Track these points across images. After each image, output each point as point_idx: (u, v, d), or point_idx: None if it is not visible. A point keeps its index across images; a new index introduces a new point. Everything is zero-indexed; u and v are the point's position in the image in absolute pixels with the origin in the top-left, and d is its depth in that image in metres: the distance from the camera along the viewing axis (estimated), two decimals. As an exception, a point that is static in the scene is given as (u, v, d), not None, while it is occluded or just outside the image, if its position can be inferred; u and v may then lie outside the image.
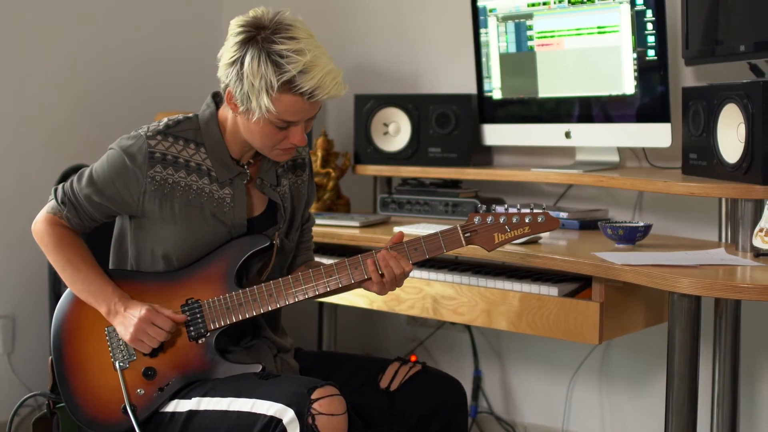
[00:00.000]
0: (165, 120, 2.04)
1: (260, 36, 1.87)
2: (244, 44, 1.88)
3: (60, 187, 2.05)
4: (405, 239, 2.00)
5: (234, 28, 1.91)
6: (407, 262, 1.97)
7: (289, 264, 2.17)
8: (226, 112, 2.02)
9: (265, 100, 1.87)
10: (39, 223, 2.04)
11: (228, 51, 1.92)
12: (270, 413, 1.83)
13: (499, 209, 2.06)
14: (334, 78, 1.89)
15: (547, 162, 3.07)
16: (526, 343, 3.21)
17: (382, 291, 2.00)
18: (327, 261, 2.19)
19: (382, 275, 1.97)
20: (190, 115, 2.06)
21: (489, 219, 2.00)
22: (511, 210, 2.01)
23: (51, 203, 2.05)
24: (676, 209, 2.83)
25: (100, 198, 2.00)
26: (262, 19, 1.90)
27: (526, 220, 2.00)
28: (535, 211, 2.01)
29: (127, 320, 1.95)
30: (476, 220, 2.00)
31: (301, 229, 2.19)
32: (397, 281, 1.99)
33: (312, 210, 3.01)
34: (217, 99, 2.05)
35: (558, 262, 2.28)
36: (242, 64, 1.87)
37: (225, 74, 1.92)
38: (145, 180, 1.97)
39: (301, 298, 1.99)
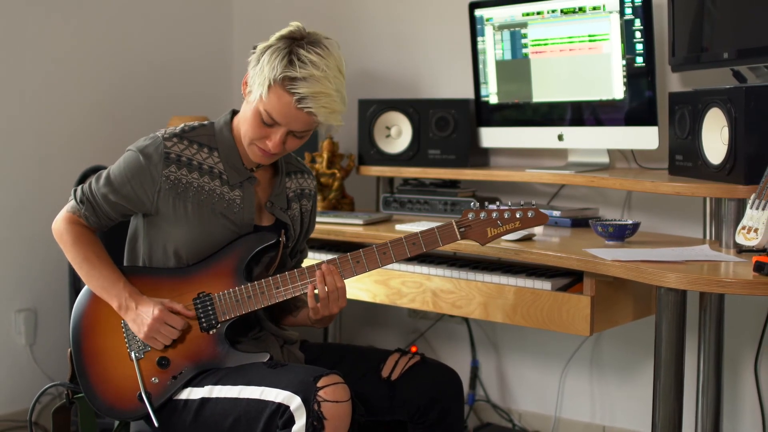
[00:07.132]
0: (182, 125, 2.04)
1: (298, 41, 1.91)
2: (282, 39, 1.93)
3: (79, 187, 2.06)
4: (404, 235, 2.00)
5: (283, 29, 1.95)
6: (340, 278, 1.99)
7: None
8: (239, 120, 2.04)
9: (264, 86, 1.90)
10: (59, 221, 2.05)
11: (268, 40, 1.95)
12: (278, 400, 1.84)
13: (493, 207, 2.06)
14: (329, 103, 1.90)
15: (541, 163, 3.06)
16: (520, 334, 3.21)
17: (316, 311, 2.00)
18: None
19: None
20: (206, 122, 2.07)
21: (482, 215, 2.01)
22: (503, 206, 2.01)
23: (71, 203, 2.05)
24: (663, 208, 2.83)
25: (116, 197, 2.00)
26: (304, 31, 1.94)
27: (517, 216, 2.01)
28: (525, 206, 2.02)
29: (140, 318, 1.95)
30: (470, 216, 2.01)
31: (294, 259, 2.19)
32: (338, 299, 1.99)
33: (318, 209, 3.02)
34: (234, 113, 2.08)
35: (551, 258, 2.28)
36: (268, 50, 1.92)
37: (254, 57, 1.95)
38: (161, 178, 1.97)
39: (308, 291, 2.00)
